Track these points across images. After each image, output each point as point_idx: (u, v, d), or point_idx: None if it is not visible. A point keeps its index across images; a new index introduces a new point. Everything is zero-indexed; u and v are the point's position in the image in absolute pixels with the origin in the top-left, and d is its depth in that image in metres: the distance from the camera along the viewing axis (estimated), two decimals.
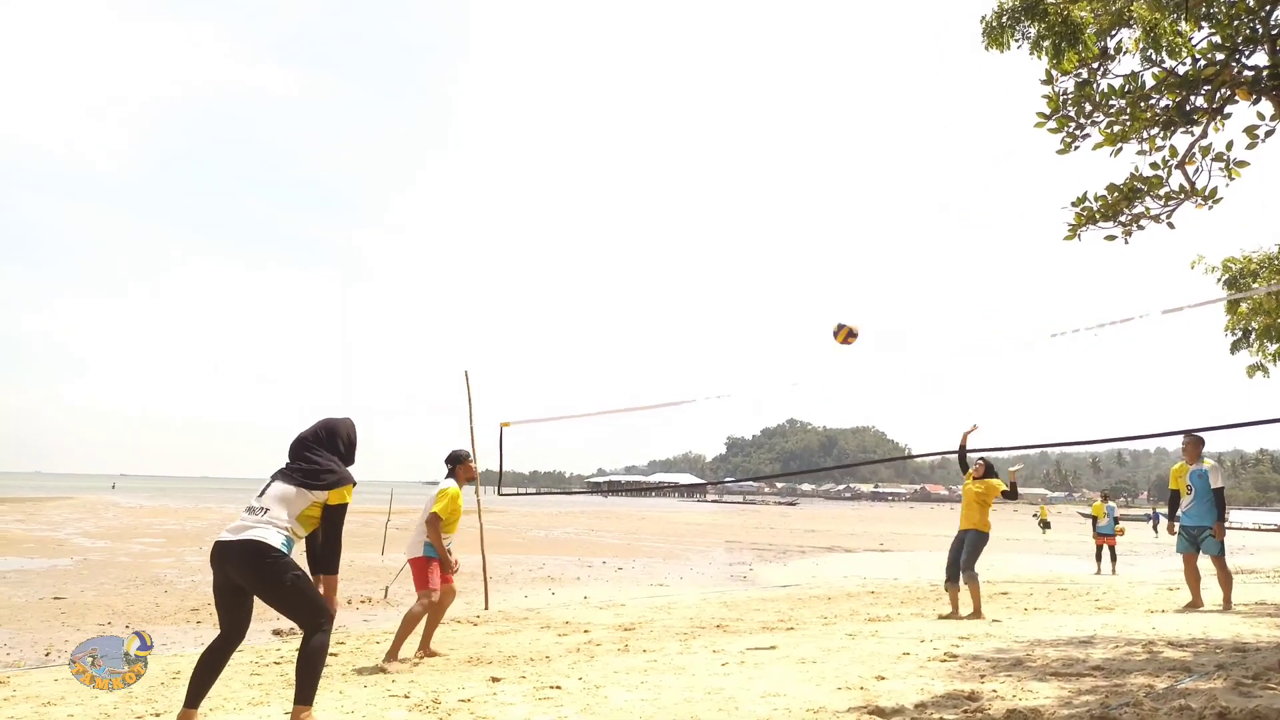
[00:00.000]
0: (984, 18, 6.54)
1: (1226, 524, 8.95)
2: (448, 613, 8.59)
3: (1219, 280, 10.29)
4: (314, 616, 4.05)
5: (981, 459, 8.97)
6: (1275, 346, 9.99)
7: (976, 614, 8.40)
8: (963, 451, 8.95)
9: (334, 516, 4.18)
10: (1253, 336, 10.09)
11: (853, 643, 6.68)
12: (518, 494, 14.70)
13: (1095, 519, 17.71)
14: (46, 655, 7.19)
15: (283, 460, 4.34)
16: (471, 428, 10.38)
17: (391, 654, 6.17)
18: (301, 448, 4.28)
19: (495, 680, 5.35)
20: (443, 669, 5.94)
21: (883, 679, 5.09)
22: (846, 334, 8.01)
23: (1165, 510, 9.10)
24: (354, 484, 4.27)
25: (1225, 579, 8.79)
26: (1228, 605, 8.60)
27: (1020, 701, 4.35)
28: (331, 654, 6.54)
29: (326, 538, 4.22)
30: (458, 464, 6.82)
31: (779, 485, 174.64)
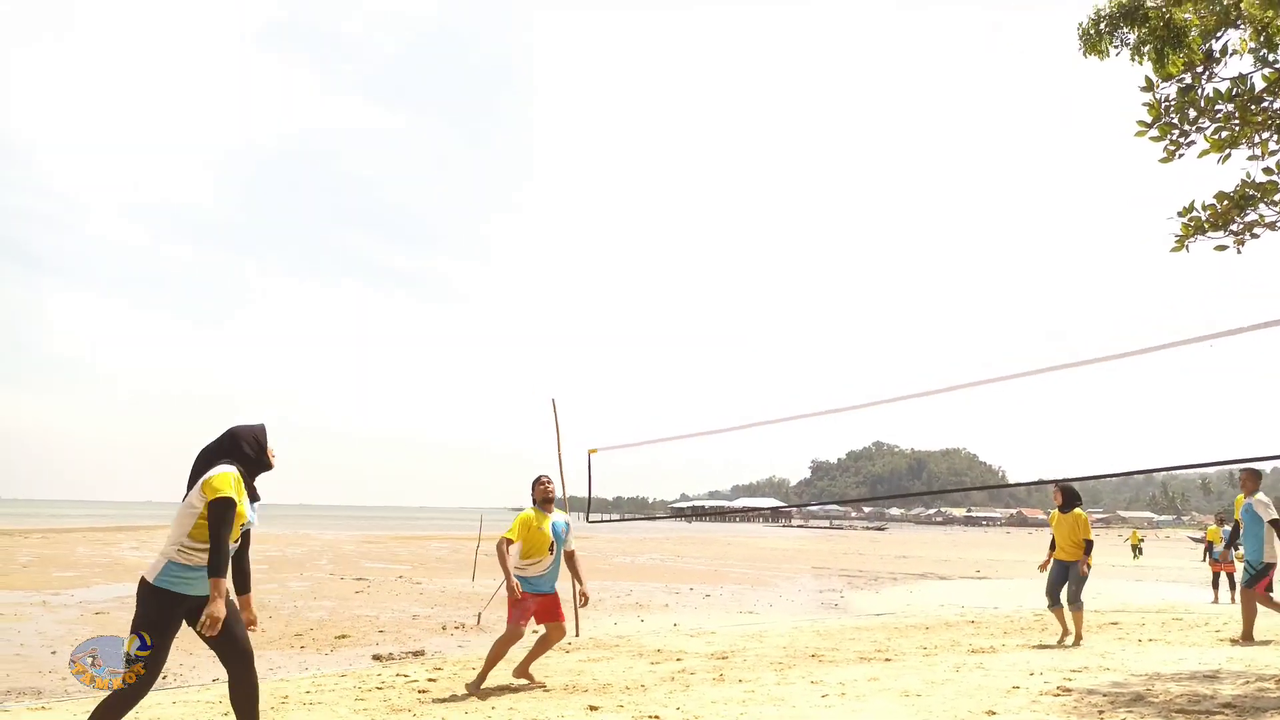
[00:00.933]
0: (1081, 24, 6.34)
1: None
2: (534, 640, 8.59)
3: None
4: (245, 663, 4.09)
5: (1059, 488, 9.07)
6: None
7: (1078, 641, 8.51)
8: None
9: (212, 513, 3.81)
10: None
11: (958, 675, 6.45)
12: (603, 520, 14.75)
13: (1210, 544, 16.75)
14: (164, 678, 7.49)
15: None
16: (560, 455, 10.48)
17: (475, 682, 6.16)
18: (195, 464, 4.02)
19: (593, 709, 5.34)
20: (540, 697, 5.96)
21: (994, 714, 4.89)
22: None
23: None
24: (230, 473, 3.91)
25: (1248, 611, 8.72)
26: (1245, 636, 8.63)
27: None
28: (430, 679, 6.64)
29: (210, 536, 3.81)
30: (534, 486, 6.66)
31: (866, 510, 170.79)
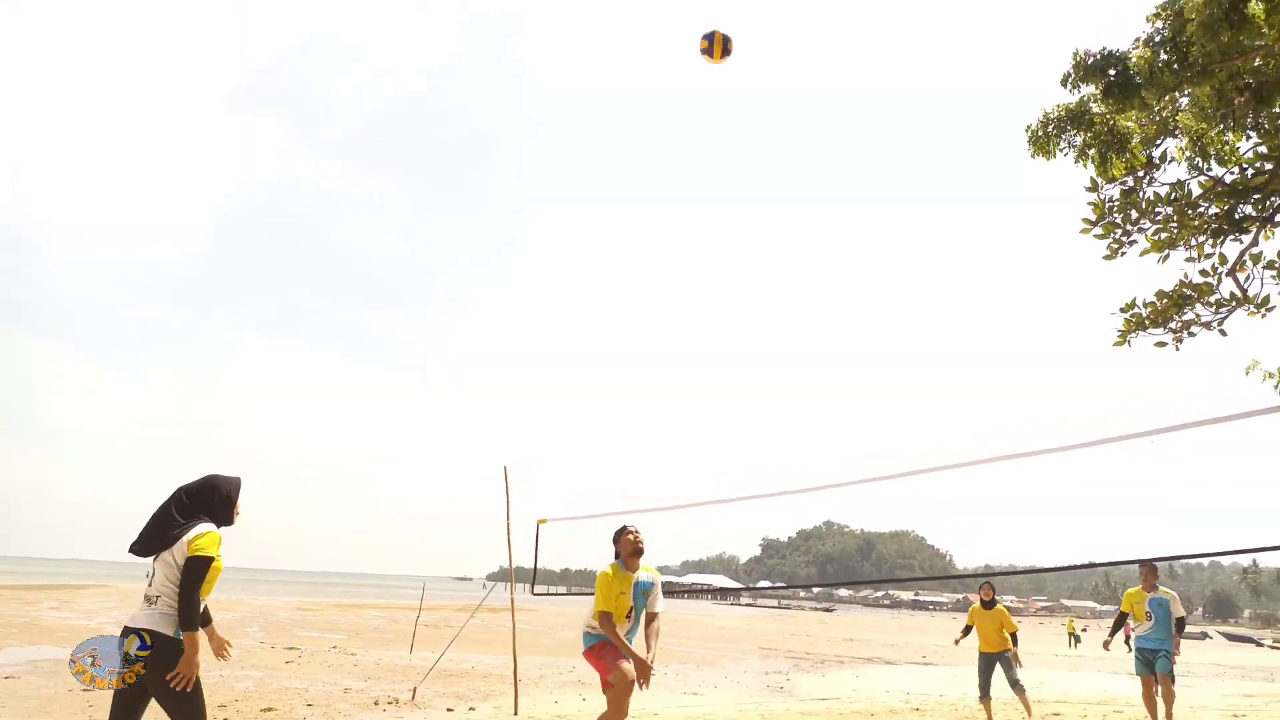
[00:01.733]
0: (1029, 126, 6.64)
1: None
2: (478, 716, 8.31)
3: (1276, 387, 10.04)
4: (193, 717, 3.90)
5: (988, 582, 10.23)
6: None
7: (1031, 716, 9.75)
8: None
9: (188, 570, 3.90)
10: None
11: None
12: (550, 593, 14.43)
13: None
14: None
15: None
16: (509, 524, 10.29)
17: None
18: (164, 510, 4.07)
19: None
20: None
21: None
22: (720, 45, 6.74)
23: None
24: (213, 533, 4.03)
25: (1169, 695, 9.09)
26: None
27: None
28: None
29: (180, 592, 3.89)
30: (617, 538, 5.82)
31: (815, 590, 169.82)
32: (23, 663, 12.90)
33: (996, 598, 10.05)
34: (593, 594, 5.69)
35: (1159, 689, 9.05)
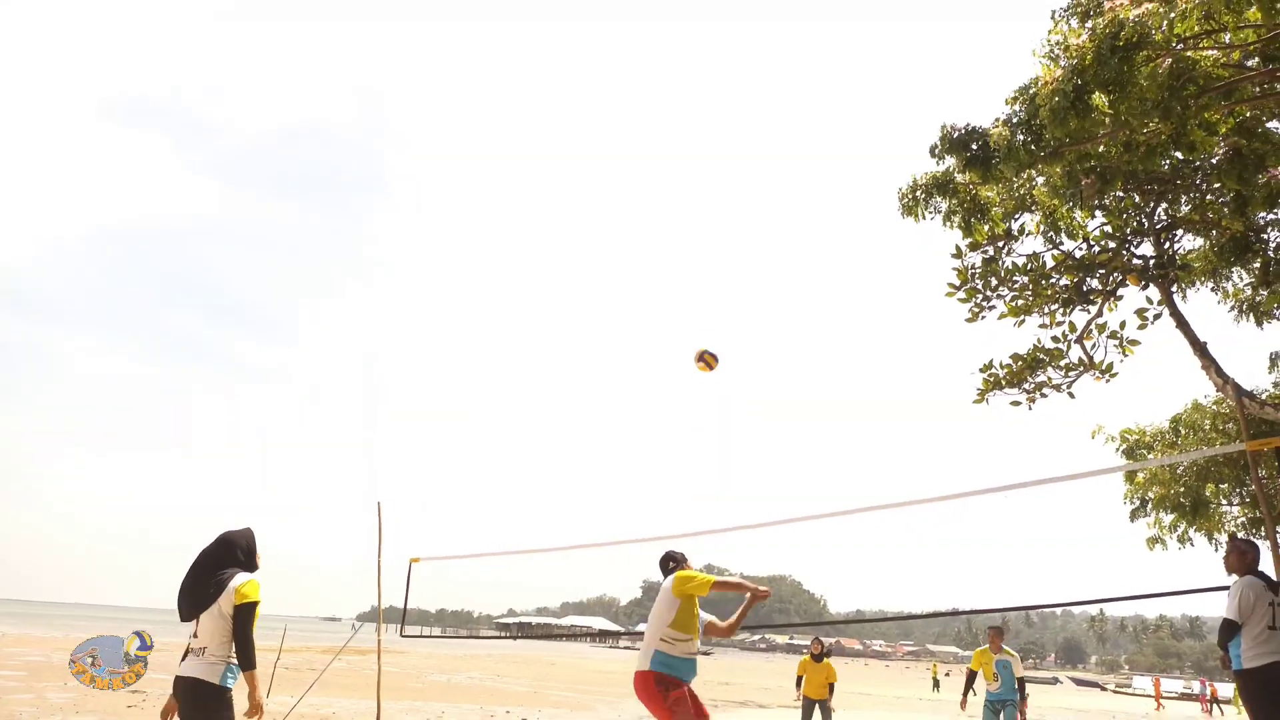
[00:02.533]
0: (900, 189, 7.04)
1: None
2: None
3: (1118, 450, 10.81)
4: None
5: (817, 638, 11.96)
6: (1170, 518, 10.44)
7: None
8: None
9: (239, 617, 4.35)
10: (1149, 506, 10.54)
11: None
12: (421, 635, 13.96)
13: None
14: None
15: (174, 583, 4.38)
16: (380, 562, 9.96)
17: None
18: (200, 567, 4.50)
19: None
20: None
21: None
22: (704, 360, 7.54)
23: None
24: (254, 580, 4.51)
25: None
26: None
27: None
28: None
29: (236, 638, 4.35)
30: (681, 563, 5.93)
31: None
32: None
33: (829, 650, 11.80)
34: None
35: None
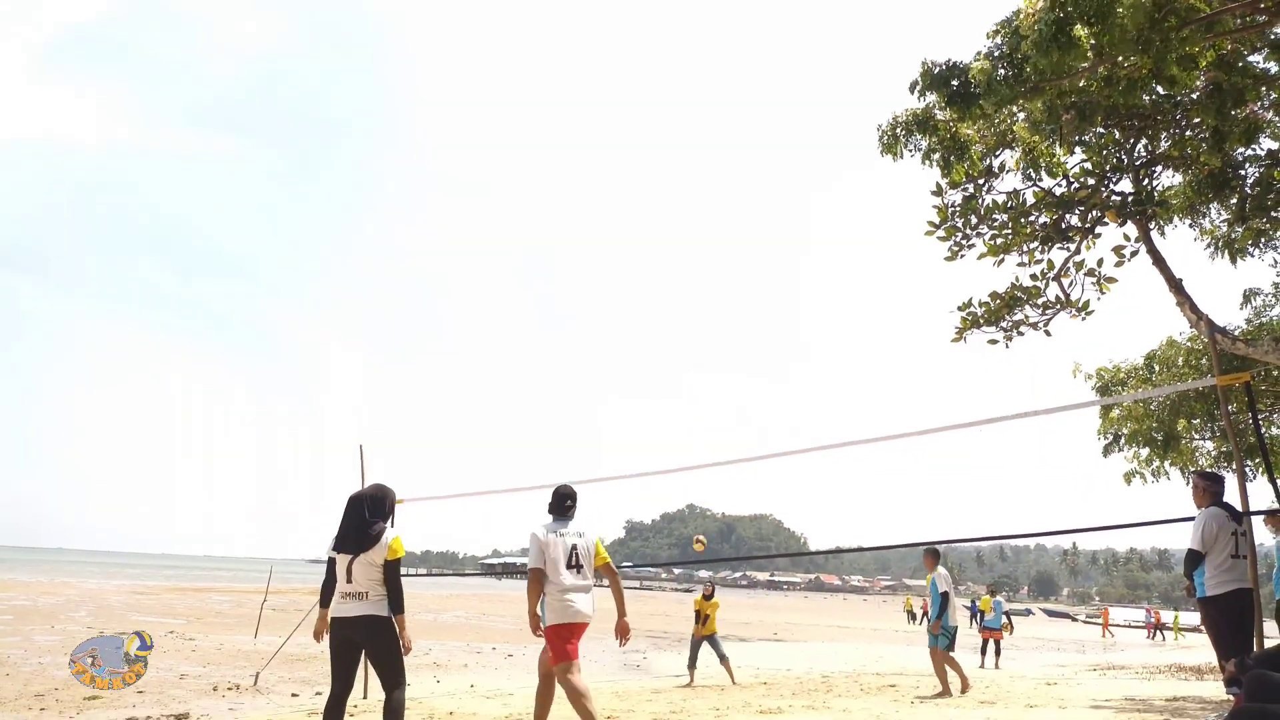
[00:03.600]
0: (880, 127, 6.97)
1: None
2: (324, 702, 8.14)
3: (1093, 386, 10.96)
4: (401, 677, 5.06)
5: (710, 582, 13.62)
6: (1145, 452, 10.64)
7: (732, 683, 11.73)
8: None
9: (392, 569, 5.05)
10: (1123, 441, 10.73)
11: None
12: (408, 575, 14.15)
13: (982, 613, 18.17)
14: None
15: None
16: None
17: None
18: (357, 516, 5.12)
19: None
20: None
21: None
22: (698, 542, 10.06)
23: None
24: (399, 538, 5.13)
25: (939, 669, 10.38)
26: (946, 690, 10.23)
27: None
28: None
29: (390, 586, 5.04)
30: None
31: (676, 571, 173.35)
32: None
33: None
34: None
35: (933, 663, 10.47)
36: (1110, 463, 11.30)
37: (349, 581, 5.01)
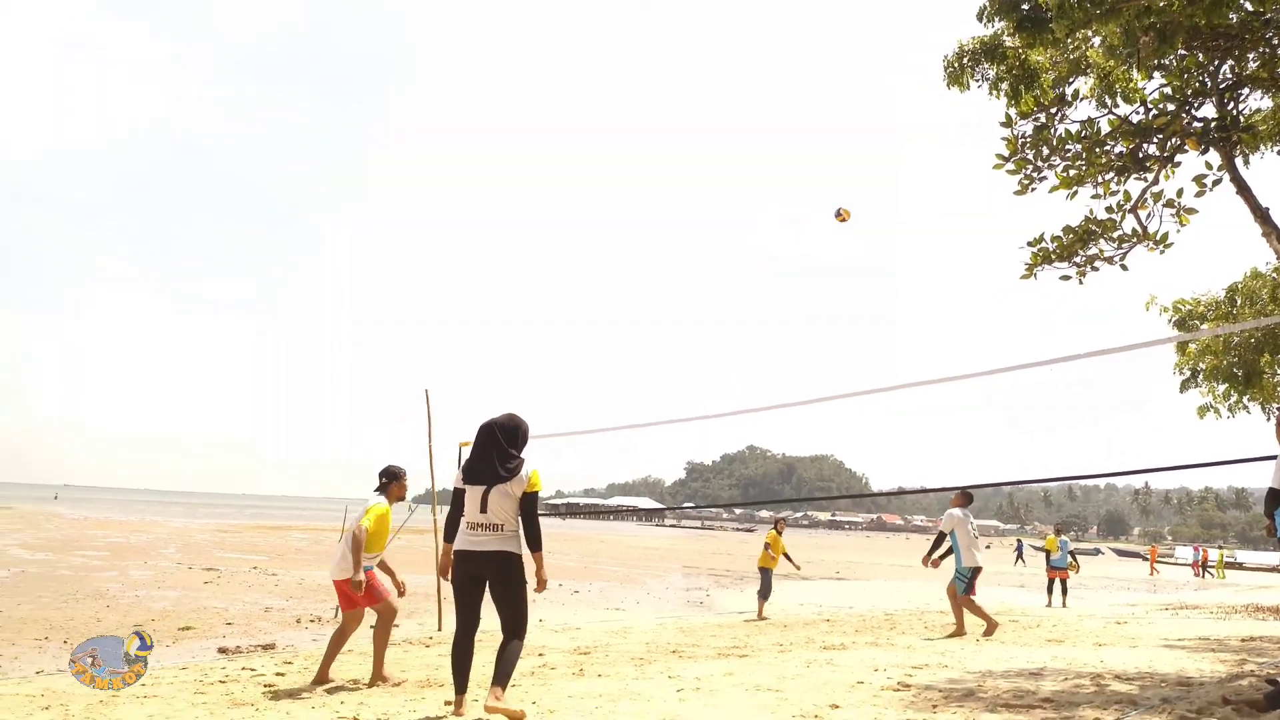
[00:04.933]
0: (946, 57, 6.71)
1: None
2: (401, 633, 8.51)
3: (1170, 321, 10.59)
4: (525, 617, 4.79)
5: (782, 518, 14.28)
6: (1224, 387, 10.29)
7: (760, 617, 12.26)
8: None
9: (530, 503, 4.76)
10: (1200, 377, 10.38)
11: (808, 670, 6.70)
12: None
13: (1048, 552, 17.99)
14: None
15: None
16: (430, 447, 10.30)
17: (320, 679, 6.07)
18: (492, 445, 4.80)
19: (448, 704, 5.29)
20: (394, 692, 5.85)
21: (837, 707, 5.12)
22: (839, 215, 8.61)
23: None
24: (537, 470, 4.82)
25: (954, 607, 10.13)
26: (958, 628, 10.00)
27: None
28: (278, 673, 6.43)
29: (528, 522, 4.78)
30: (394, 480, 6.51)
31: (737, 511, 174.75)
32: None
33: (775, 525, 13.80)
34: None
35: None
36: (1186, 399, 10.96)
37: (482, 512, 4.68)
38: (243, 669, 6.66)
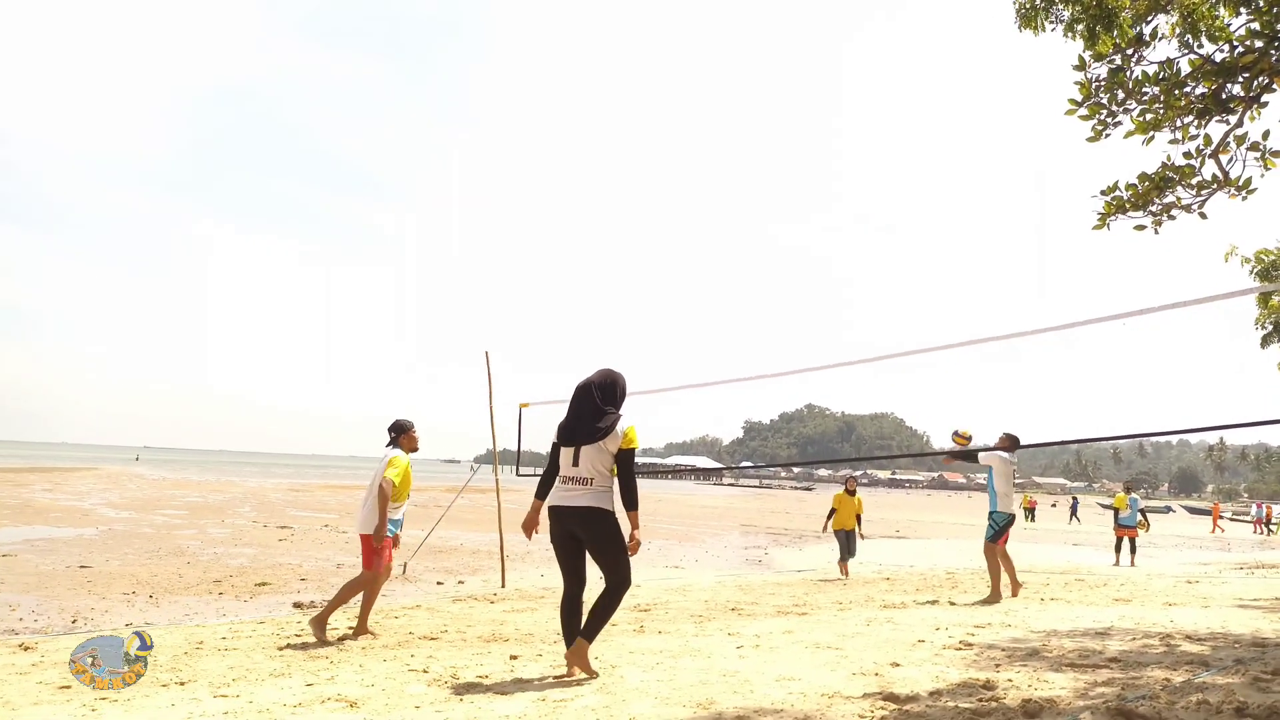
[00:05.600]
0: None
1: (1233, 517, 9.55)
2: (466, 589, 8.70)
3: (1252, 272, 10.12)
4: (624, 573, 4.76)
5: (851, 476, 13.41)
6: None
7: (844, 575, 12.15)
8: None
9: (626, 460, 4.76)
10: None
11: (868, 629, 6.69)
12: (535, 474, 14.75)
13: (1117, 510, 17.58)
14: (73, 622, 7.33)
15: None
16: (491, 408, 10.45)
17: (320, 620, 6.24)
18: (588, 403, 4.80)
19: (514, 658, 5.41)
20: (460, 645, 6.01)
21: (898, 665, 5.10)
22: (962, 439, 9.58)
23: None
24: (633, 426, 4.79)
25: (991, 567, 9.28)
26: (993, 593, 9.13)
27: (1036, 692, 4.34)
28: (351, 627, 6.65)
29: (624, 479, 4.78)
30: (402, 433, 6.70)
31: (795, 470, 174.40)
32: (19, 542, 13.22)
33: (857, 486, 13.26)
34: None
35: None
36: (1267, 355, 10.50)
37: (575, 465, 4.70)
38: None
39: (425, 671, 4.96)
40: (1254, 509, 46.25)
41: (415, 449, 6.81)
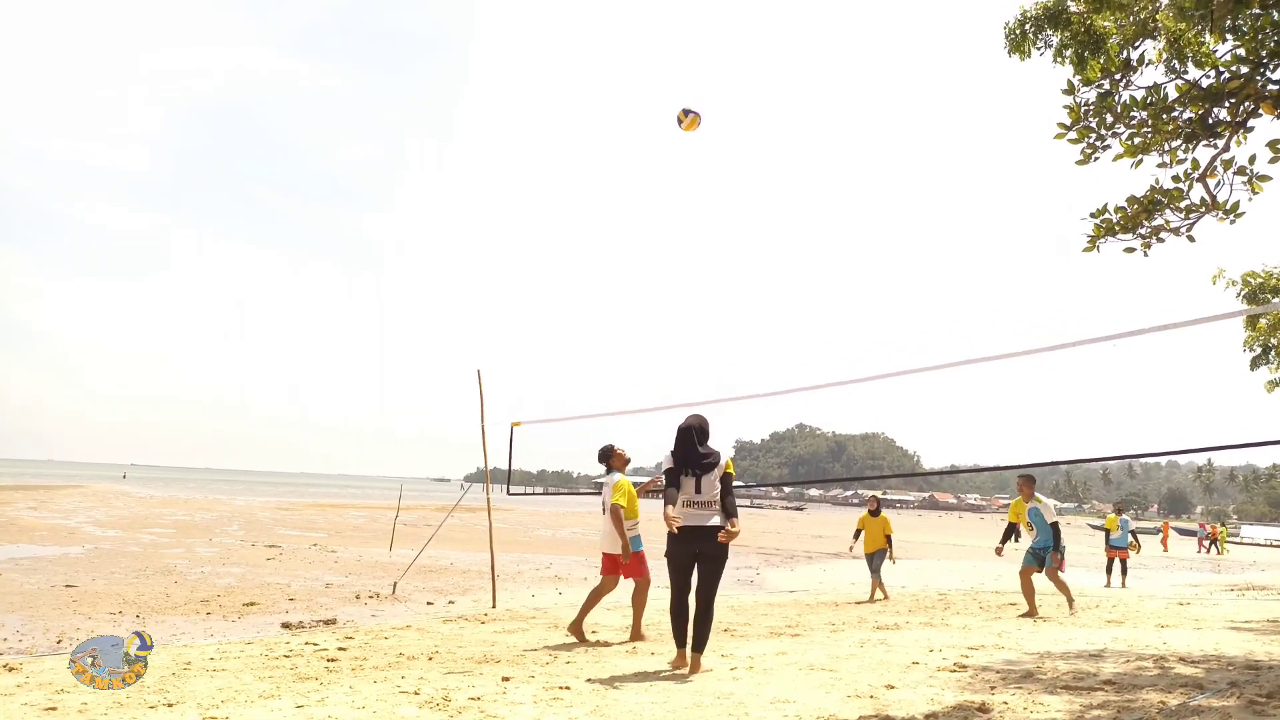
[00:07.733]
0: (1007, 24, 6.51)
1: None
2: (457, 610, 8.64)
3: (1239, 294, 10.22)
4: (717, 587, 5.82)
5: (875, 497, 13.02)
6: None
7: (885, 597, 11.90)
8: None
9: (728, 482, 5.84)
10: (1272, 353, 10.03)
11: (862, 650, 6.66)
12: (525, 493, 14.68)
13: (1108, 532, 17.60)
14: (58, 643, 7.23)
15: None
16: (483, 427, 10.41)
17: (576, 628, 7.36)
18: (695, 444, 5.90)
19: (506, 679, 5.36)
20: (452, 667, 5.95)
21: (892, 688, 5.08)
22: (690, 120, 7.80)
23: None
24: (730, 458, 5.96)
25: (1061, 586, 10.33)
26: (1071, 607, 10.26)
27: (1031, 714, 4.33)
28: (340, 648, 6.58)
29: (727, 497, 5.81)
30: (611, 456, 7.46)
31: (786, 490, 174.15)
32: (3, 561, 13.08)
33: (881, 506, 12.94)
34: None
35: (1054, 584, 10.34)
36: (1255, 376, 10.60)
37: (698, 493, 5.76)
38: (306, 643, 6.83)
39: (417, 693, 4.91)
40: (1199, 529, 47.15)
41: (627, 462, 7.53)
